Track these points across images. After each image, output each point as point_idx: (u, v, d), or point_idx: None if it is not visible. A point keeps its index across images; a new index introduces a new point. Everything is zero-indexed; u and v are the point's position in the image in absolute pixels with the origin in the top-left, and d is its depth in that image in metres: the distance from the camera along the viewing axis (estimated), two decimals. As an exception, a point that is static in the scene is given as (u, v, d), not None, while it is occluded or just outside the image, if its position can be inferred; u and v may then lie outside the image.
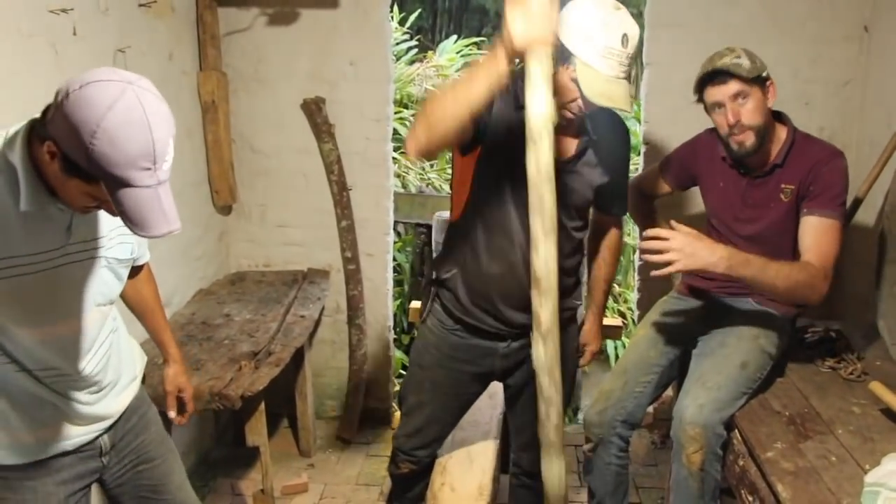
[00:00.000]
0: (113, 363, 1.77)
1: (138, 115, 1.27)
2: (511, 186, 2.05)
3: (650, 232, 2.12)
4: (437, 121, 1.77)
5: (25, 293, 1.47)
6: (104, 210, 1.43)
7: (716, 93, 2.32)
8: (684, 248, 2.06)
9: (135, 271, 1.95)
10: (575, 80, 1.92)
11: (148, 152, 1.28)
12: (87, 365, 1.67)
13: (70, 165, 1.30)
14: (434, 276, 2.31)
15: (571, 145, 2.14)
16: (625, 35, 1.89)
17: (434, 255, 4.25)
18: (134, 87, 1.29)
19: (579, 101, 1.97)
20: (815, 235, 2.30)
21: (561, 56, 1.92)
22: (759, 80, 2.30)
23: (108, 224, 1.62)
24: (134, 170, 1.28)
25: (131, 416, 1.87)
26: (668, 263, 2.06)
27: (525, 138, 1.66)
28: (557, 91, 1.95)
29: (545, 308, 1.73)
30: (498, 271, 2.14)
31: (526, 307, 1.87)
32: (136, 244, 1.76)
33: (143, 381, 1.99)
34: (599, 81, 1.89)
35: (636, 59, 1.97)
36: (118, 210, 1.31)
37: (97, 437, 1.77)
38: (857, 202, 2.95)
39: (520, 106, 1.89)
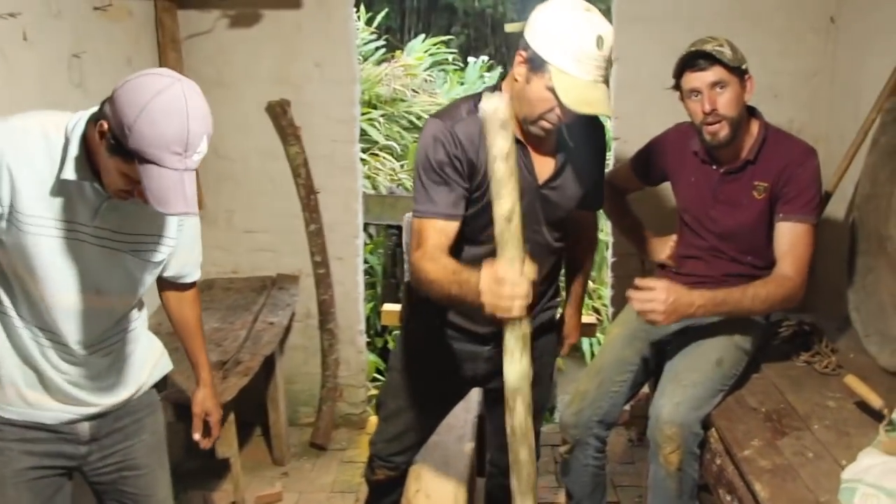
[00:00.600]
0: (117, 358, 1.82)
1: (180, 105, 1.42)
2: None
3: (640, 282, 2.20)
4: (431, 291, 1.85)
5: (45, 254, 1.60)
6: (138, 197, 1.52)
7: (694, 79, 2.28)
8: (666, 306, 2.13)
9: (182, 288, 2.02)
10: (551, 89, 1.83)
11: (182, 139, 1.42)
12: (87, 344, 1.73)
13: (114, 144, 1.44)
14: (414, 281, 2.25)
15: (549, 165, 2.06)
16: (599, 37, 1.81)
17: (405, 256, 4.20)
18: (182, 84, 1.45)
19: (557, 111, 1.88)
20: (791, 241, 2.30)
21: (534, 65, 1.85)
22: (739, 72, 2.28)
23: (147, 225, 1.72)
24: (166, 152, 1.41)
25: (124, 416, 1.88)
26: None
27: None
28: (532, 102, 1.89)
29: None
30: None
31: None
32: (185, 260, 1.91)
33: (160, 389, 2.05)
34: (577, 87, 1.82)
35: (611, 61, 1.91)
36: (144, 185, 1.43)
37: (77, 421, 1.80)
38: (828, 196, 2.94)
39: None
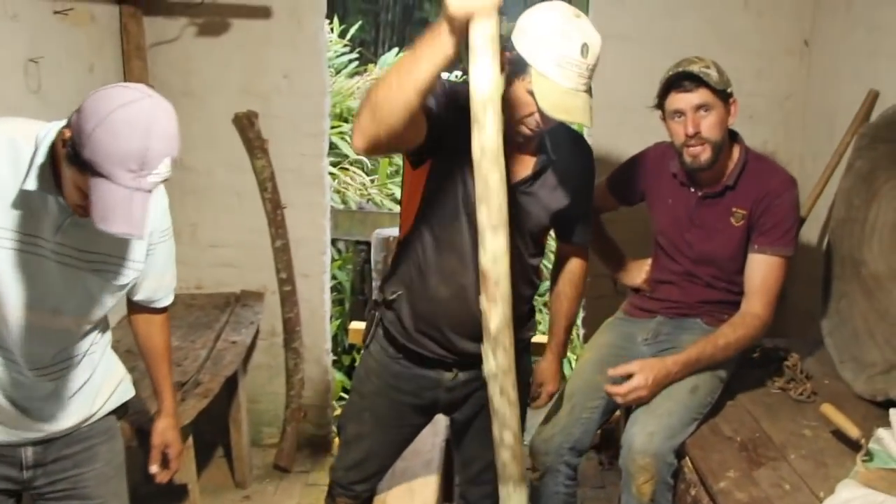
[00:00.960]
0: (68, 383, 1.73)
1: (144, 121, 1.35)
2: (464, 202, 1.91)
3: (614, 372, 2.21)
4: (382, 107, 1.58)
5: (2, 265, 1.52)
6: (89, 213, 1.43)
7: (679, 100, 2.24)
8: (648, 387, 2.17)
9: (152, 312, 1.95)
10: (531, 92, 1.78)
11: (139, 156, 1.34)
12: (37, 365, 1.65)
13: (72, 153, 1.37)
14: (379, 298, 2.17)
15: (528, 164, 1.99)
16: (585, 44, 1.75)
17: (373, 273, 4.12)
18: (153, 101, 1.39)
19: (536, 116, 1.83)
20: (763, 276, 2.29)
21: (516, 67, 1.80)
22: (725, 95, 2.24)
23: (112, 246, 1.64)
24: (119, 167, 1.34)
25: (75, 443, 1.79)
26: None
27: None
28: (513, 105, 1.83)
29: (494, 314, 1.54)
30: (447, 294, 2.00)
31: (476, 336, 1.68)
32: (156, 285, 1.85)
33: (120, 415, 1.96)
34: (556, 93, 1.75)
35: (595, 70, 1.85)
36: (91, 199, 1.36)
37: (19, 445, 1.72)
38: (802, 220, 2.91)
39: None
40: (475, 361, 1.78)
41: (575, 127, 2.14)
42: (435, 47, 1.50)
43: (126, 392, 1.95)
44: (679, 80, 2.23)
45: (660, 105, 2.33)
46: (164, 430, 2.01)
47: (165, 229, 1.80)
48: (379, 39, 11.95)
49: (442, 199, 1.95)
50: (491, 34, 1.43)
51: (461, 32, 1.46)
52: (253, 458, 3.61)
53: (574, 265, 2.29)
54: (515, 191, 1.95)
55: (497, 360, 1.56)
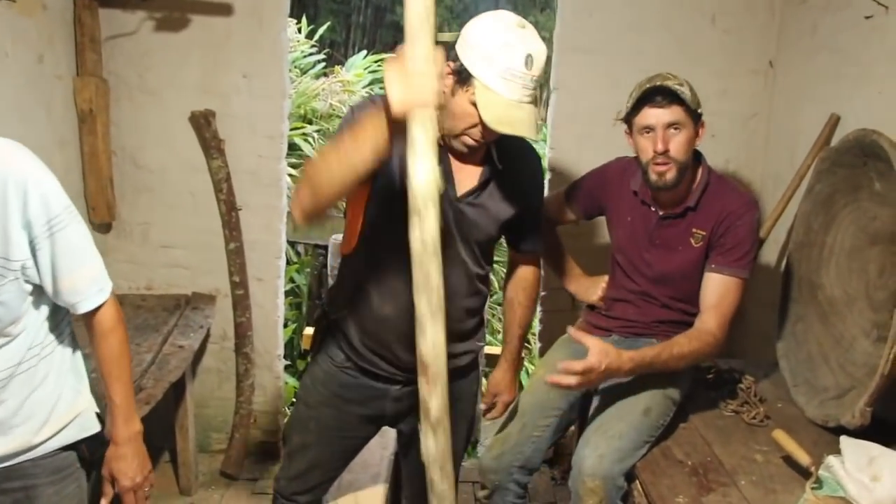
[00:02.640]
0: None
1: None
2: (408, 218, 1.86)
3: (564, 366, 2.04)
4: (322, 186, 1.62)
5: None
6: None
7: (651, 115, 2.19)
8: (599, 371, 2.03)
9: (85, 318, 1.66)
10: (474, 104, 1.75)
11: None
12: None
13: None
14: (328, 311, 2.13)
15: (474, 175, 1.95)
16: (529, 56, 1.72)
17: (330, 279, 4.05)
18: None
19: (479, 128, 1.80)
20: (719, 295, 2.25)
21: (460, 77, 1.76)
22: (696, 116, 2.22)
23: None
24: None
25: (13, 478, 1.62)
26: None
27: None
28: (456, 116, 1.80)
29: (434, 396, 1.54)
30: (392, 313, 1.96)
31: None
32: (69, 286, 1.57)
33: (91, 456, 1.73)
34: (500, 106, 1.73)
35: (544, 82, 1.82)
36: None
37: None
38: (761, 242, 2.90)
39: None
40: None
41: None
42: (376, 136, 1.53)
43: (86, 427, 1.72)
44: (653, 95, 2.19)
45: (627, 119, 2.29)
46: (109, 460, 1.74)
47: (54, 217, 1.51)
48: (349, 41, 11.87)
49: (385, 216, 1.89)
50: (431, 127, 1.45)
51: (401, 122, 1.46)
52: (199, 465, 3.53)
53: (526, 272, 2.26)
54: (462, 202, 1.92)
55: (437, 444, 1.58)
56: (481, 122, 1.77)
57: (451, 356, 1.94)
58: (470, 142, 1.85)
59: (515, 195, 2.01)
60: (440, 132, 1.80)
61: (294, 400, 4.10)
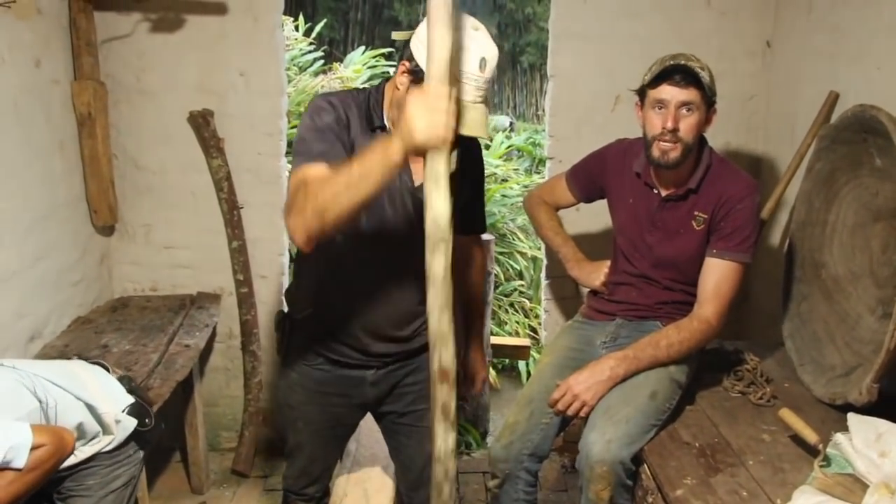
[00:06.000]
0: None
1: None
2: (373, 210, 1.91)
3: (555, 395, 2.24)
4: (331, 210, 1.65)
5: None
6: None
7: (666, 91, 2.19)
8: (582, 393, 2.20)
9: None
10: None
11: None
12: None
13: None
14: (286, 315, 2.20)
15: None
16: (483, 59, 1.75)
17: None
18: None
19: None
20: (717, 280, 2.27)
21: (415, 77, 1.81)
22: (710, 102, 2.23)
23: None
24: None
25: None
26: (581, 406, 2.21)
27: None
28: None
29: (453, 400, 1.63)
30: (357, 304, 2.04)
31: (391, 337, 2.08)
32: None
33: None
34: None
35: (494, 82, 1.85)
36: None
37: None
38: (762, 223, 2.89)
39: (374, 127, 1.90)
40: (394, 358, 2.13)
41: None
42: (388, 164, 1.58)
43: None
44: (673, 72, 2.19)
45: (641, 91, 2.29)
46: None
47: None
48: (347, 38, 11.84)
49: None
50: (447, 162, 1.56)
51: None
52: (210, 463, 3.54)
53: (474, 253, 2.37)
54: (419, 191, 1.94)
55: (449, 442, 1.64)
56: None
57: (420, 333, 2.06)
58: None
59: (464, 180, 2.04)
60: (394, 124, 1.91)
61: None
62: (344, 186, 1.63)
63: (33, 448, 1.73)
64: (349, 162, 1.66)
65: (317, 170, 1.76)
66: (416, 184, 1.96)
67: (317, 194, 1.66)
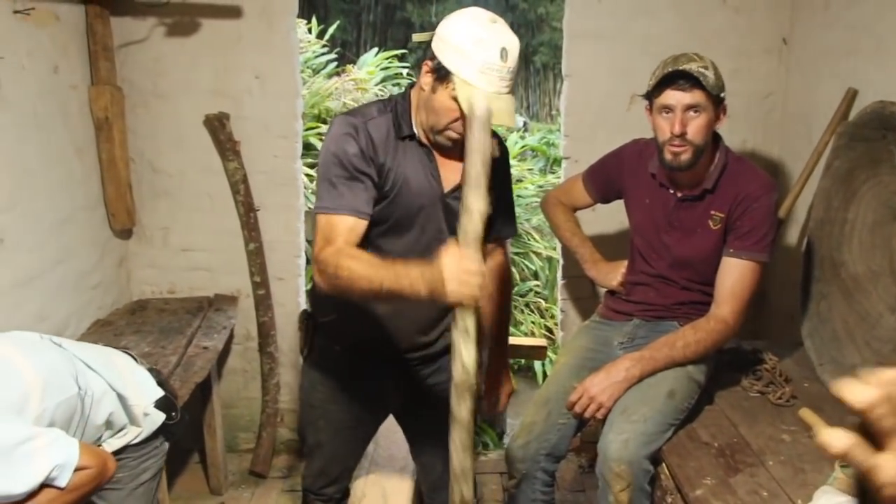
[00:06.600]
0: None
1: None
2: (404, 216, 1.95)
3: (572, 398, 2.25)
4: (353, 291, 1.75)
5: None
6: None
7: (671, 97, 2.19)
8: (598, 395, 2.20)
9: None
10: (455, 99, 1.81)
11: None
12: None
13: None
14: (310, 315, 2.21)
15: (457, 171, 1.99)
16: (503, 49, 1.78)
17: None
18: None
19: (462, 121, 1.85)
20: (735, 279, 2.26)
21: (439, 75, 1.83)
22: (717, 100, 2.21)
23: None
24: None
25: None
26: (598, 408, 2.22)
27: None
28: (439, 112, 1.87)
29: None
30: (384, 310, 2.05)
31: (416, 342, 2.11)
32: None
33: None
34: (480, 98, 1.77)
35: (518, 73, 1.87)
36: None
37: None
38: (780, 222, 2.87)
39: (403, 136, 1.92)
40: (420, 360, 2.16)
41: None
42: (413, 294, 1.66)
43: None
44: (675, 77, 2.18)
45: (648, 96, 2.28)
46: None
47: None
48: (360, 40, 11.85)
49: (374, 223, 1.96)
50: (474, 319, 1.64)
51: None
52: (228, 464, 3.56)
53: (497, 259, 2.31)
54: (449, 198, 1.99)
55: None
56: (463, 116, 1.82)
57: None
58: (454, 135, 1.90)
59: (493, 185, 2.03)
60: (423, 128, 1.93)
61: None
62: (368, 283, 1.70)
63: (77, 469, 1.74)
64: (384, 265, 1.73)
65: (347, 224, 1.84)
66: (446, 190, 1.98)
67: (347, 273, 1.74)
